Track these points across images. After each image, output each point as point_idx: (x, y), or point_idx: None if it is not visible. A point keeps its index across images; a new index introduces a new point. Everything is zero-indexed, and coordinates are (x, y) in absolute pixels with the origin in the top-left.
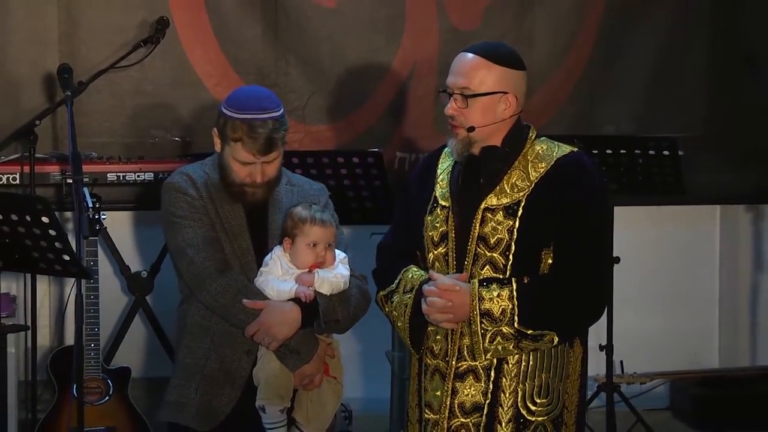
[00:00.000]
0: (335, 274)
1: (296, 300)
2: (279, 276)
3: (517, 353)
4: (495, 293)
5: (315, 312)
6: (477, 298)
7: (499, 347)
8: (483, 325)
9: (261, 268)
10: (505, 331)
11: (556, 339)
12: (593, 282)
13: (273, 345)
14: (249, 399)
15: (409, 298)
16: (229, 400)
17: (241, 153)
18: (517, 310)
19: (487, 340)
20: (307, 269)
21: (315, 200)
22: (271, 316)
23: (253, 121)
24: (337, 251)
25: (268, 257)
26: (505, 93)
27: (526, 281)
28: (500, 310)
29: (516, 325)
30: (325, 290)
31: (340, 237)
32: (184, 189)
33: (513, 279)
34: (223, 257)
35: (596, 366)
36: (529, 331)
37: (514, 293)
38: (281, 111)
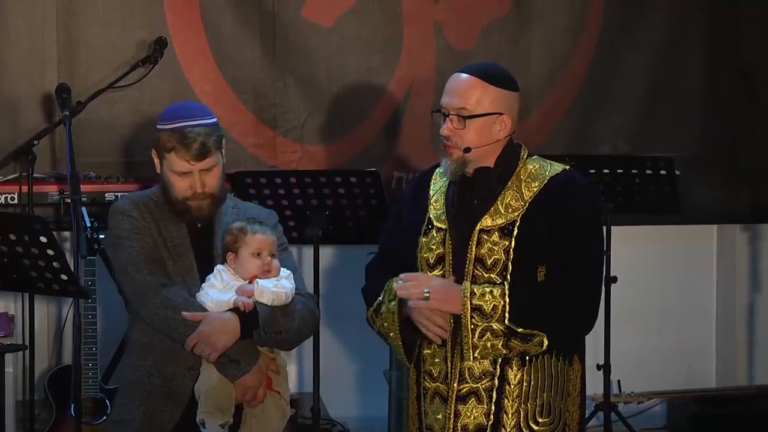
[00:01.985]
0: (276, 284)
1: (236, 310)
2: (220, 289)
3: (506, 353)
4: (487, 290)
5: (255, 323)
6: (469, 293)
7: (488, 344)
8: (473, 320)
9: (202, 285)
10: (494, 327)
11: (546, 342)
12: (586, 289)
13: (213, 355)
14: (192, 416)
15: (395, 304)
16: (171, 417)
17: (176, 162)
18: (508, 307)
19: (476, 336)
20: (248, 280)
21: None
22: (209, 326)
23: (184, 128)
24: (282, 269)
25: (210, 275)
26: (501, 114)
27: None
28: (491, 306)
29: (506, 321)
30: (266, 300)
31: (289, 258)
32: (127, 211)
33: (505, 282)
34: (165, 274)
35: (594, 385)
36: (519, 330)
37: (506, 291)
38: (214, 120)
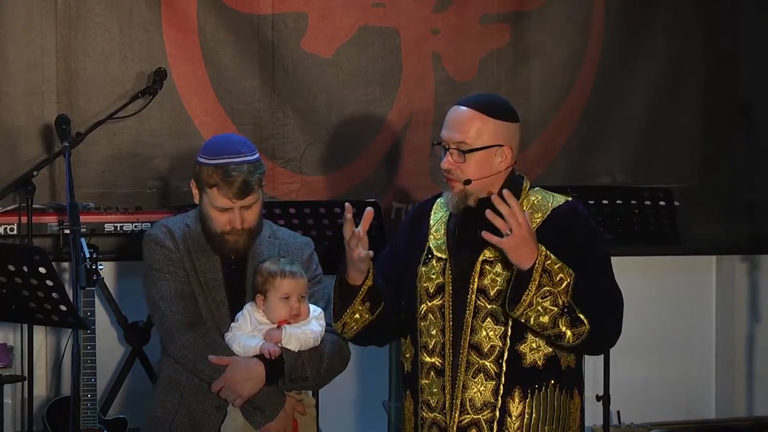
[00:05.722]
0: (304, 330)
1: (262, 356)
2: (248, 332)
3: (544, 325)
4: (558, 262)
5: (282, 369)
6: (544, 255)
7: (540, 308)
8: (542, 279)
9: (232, 324)
10: (561, 297)
11: (585, 333)
12: (618, 300)
13: (238, 402)
14: None
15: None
16: None
17: (218, 199)
18: (573, 284)
19: (540, 294)
20: (276, 325)
21: (299, 254)
22: (235, 373)
23: (228, 165)
24: (312, 306)
25: (239, 313)
26: (501, 146)
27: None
28: (559, 277)
29: (569, 297)
30: (293, 346)
31: (323, 291)
32: (161, 241)
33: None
34: (195, 311)
35: (593, 416)
36: (577, 310)
37: (571, 271)
38: (256, 155)
